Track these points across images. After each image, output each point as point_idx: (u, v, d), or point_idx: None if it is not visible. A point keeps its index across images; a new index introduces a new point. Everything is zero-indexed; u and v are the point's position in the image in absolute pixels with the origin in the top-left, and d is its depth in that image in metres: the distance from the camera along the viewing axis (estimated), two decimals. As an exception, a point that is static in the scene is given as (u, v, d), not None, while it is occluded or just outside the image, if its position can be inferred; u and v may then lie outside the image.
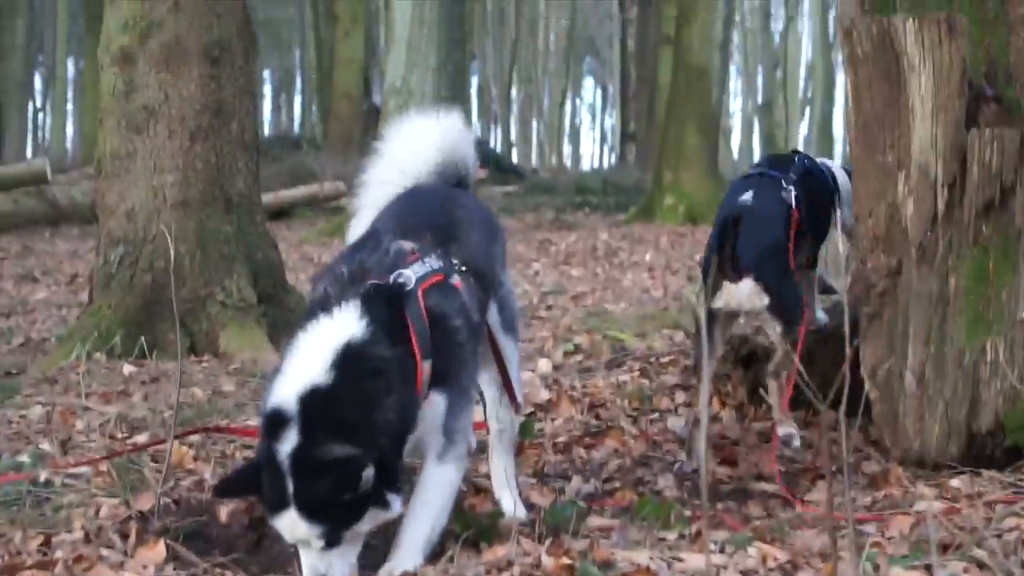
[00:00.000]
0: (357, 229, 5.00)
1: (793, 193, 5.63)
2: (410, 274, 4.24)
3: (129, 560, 4.23)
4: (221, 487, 4.14)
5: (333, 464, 3.81)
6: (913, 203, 5.08)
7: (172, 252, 4.77)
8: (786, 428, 5.72)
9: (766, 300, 5.53)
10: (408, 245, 4.40)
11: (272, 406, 3.94)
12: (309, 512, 3.83)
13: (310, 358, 3.99)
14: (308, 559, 3.95)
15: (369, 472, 3.81)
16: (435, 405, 4.20)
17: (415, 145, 5.07)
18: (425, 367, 4.11)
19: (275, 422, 3.90)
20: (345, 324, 4.05)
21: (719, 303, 5.60)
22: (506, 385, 4.94)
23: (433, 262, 4.36)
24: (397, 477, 4.02)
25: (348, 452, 3.83)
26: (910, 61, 5.03)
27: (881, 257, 5.23)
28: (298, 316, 8.83)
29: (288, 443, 3.84)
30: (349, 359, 3.97)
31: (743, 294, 5.52)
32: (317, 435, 3.85)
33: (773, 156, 6.48)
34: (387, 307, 4.14)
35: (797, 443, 5.71)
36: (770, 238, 5.62)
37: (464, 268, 4.50)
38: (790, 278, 5.63)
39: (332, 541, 3.89)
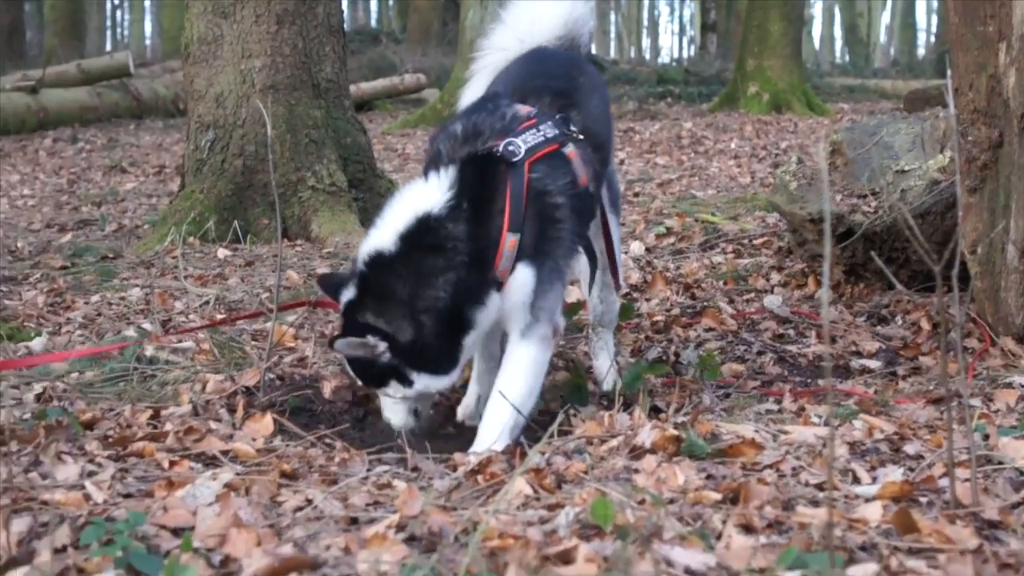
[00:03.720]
0: (470, 93, 5.04)
1: None
2: (520, 144, 4.20)
3: (238, 432, 4.28)
4: (323, 279, 4.47)
5: (361, 328, 4.05)
6: (1015, 74, 4.95)
7: (269, 133, 4.76)
8: None
9: None
10: (525, 109, 4.38)
11: (355, 255, 4.21)
12: (348, 358, 4.18)
13: (390, 222, 4.12)
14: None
15: (378, 345, 4.03)
16: (521, 278, 4.16)
17: (541, 15, 5.06)
18: (509, 240, 4.09)
19: (351, 271, 4.18)
20: (431, 194, 4.11)
21: None
22: (611, 264, 4.91)
23: (548, 129, 4.31)
24: (433, 356, 4.14)
25: (374, 323, 4.06)
26: (1014, -74, 4.91)
27: (982, 130, 5.12)
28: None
29: (348, 293, 4.13)
30: (419, 232, 4.06)
31: None
32: (364, 299, 4.08)
33: None
34: (484, 178, 4.16)
35: None
36: None
37: (582, 136, 4.47)
38: None
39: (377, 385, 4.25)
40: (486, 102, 4.51)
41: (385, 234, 4.08)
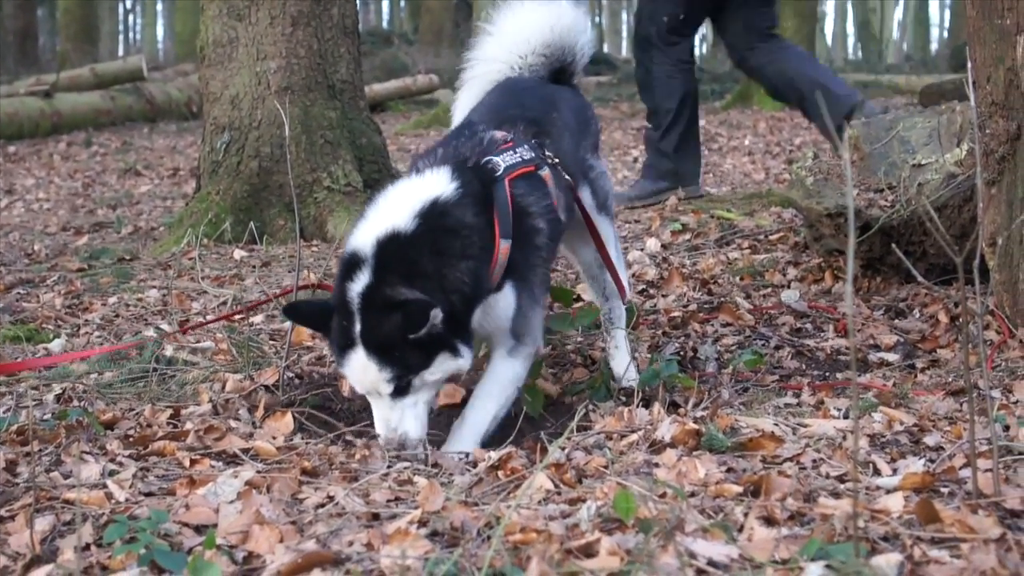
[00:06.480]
0: (462, 104, 5.10)
1: None
2: (499, 161, 4.27)
3: (258, 430, 4.30)
4: (291, 309, 4.20)
5: (401, 304, 3.84)
6: (1033, 66, 4.95)
7: (287, 134, 4.76)
8: None
9: None
10: (501, 134, 4.44)
11: (350, 248, 4.00)
12: (376, 352, 3.88)
13: (395, 207, 4.06)
14: (380, 411, 4.01)
15: (437, 314, 3.83)
16: (506, 299, 4.23)
17: (525, 24, 5.10)
18: (503, 247, 4.13)
19: (351, 264, 3.96)
20: (435, 183, 4.11)
21: None
22: (609, 268, 4.94)
23: (525, 152, 4.38)
24: (468, 333, 4.07)
25: (416, 295, 3.87)
26: (1032, -84, 4.89)
27: (1000, 123, 5.10)
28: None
29: (359, 283, 3.90)
30: (434, 213, 4.02)
31: None
32: (388, 277, 3.90)
33: None
34: (475, 180, 4.19)
35: None
36: None
37: (556, 161, 4.52)
38: None
39: (401, 387, 3.94)
40: (463, 129, 4.56)
41: (395, 215, 4.02)
